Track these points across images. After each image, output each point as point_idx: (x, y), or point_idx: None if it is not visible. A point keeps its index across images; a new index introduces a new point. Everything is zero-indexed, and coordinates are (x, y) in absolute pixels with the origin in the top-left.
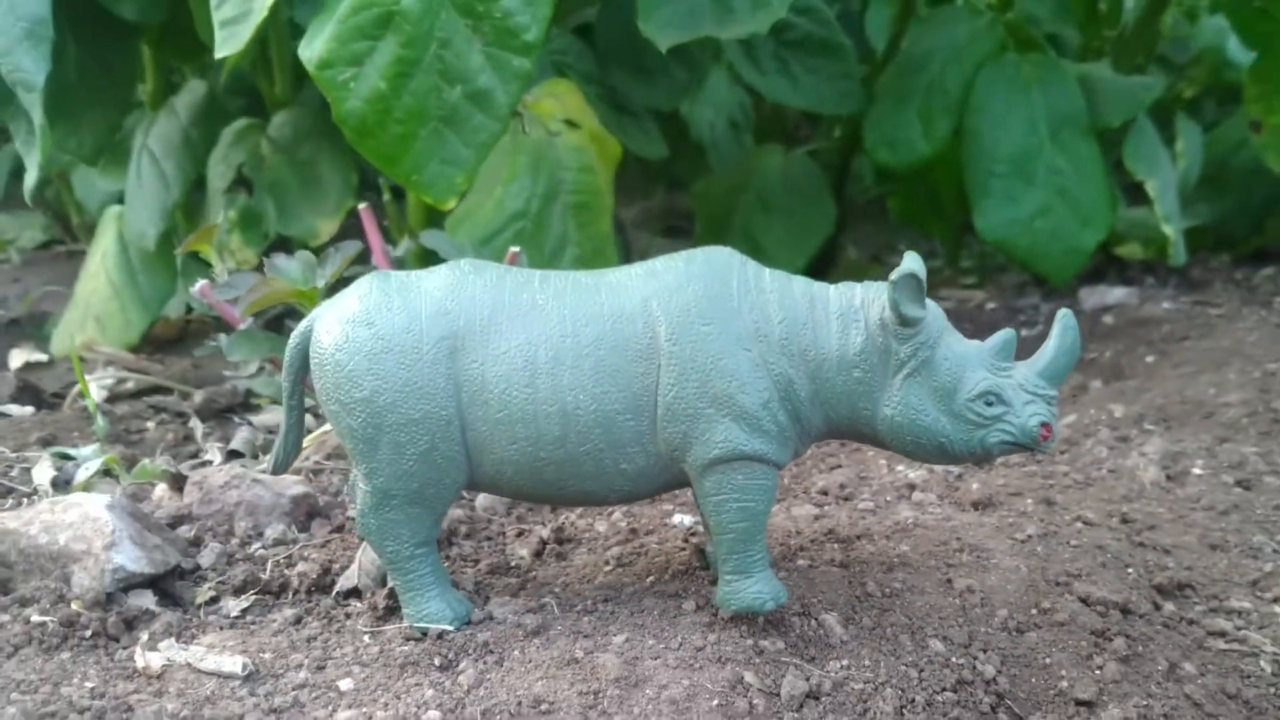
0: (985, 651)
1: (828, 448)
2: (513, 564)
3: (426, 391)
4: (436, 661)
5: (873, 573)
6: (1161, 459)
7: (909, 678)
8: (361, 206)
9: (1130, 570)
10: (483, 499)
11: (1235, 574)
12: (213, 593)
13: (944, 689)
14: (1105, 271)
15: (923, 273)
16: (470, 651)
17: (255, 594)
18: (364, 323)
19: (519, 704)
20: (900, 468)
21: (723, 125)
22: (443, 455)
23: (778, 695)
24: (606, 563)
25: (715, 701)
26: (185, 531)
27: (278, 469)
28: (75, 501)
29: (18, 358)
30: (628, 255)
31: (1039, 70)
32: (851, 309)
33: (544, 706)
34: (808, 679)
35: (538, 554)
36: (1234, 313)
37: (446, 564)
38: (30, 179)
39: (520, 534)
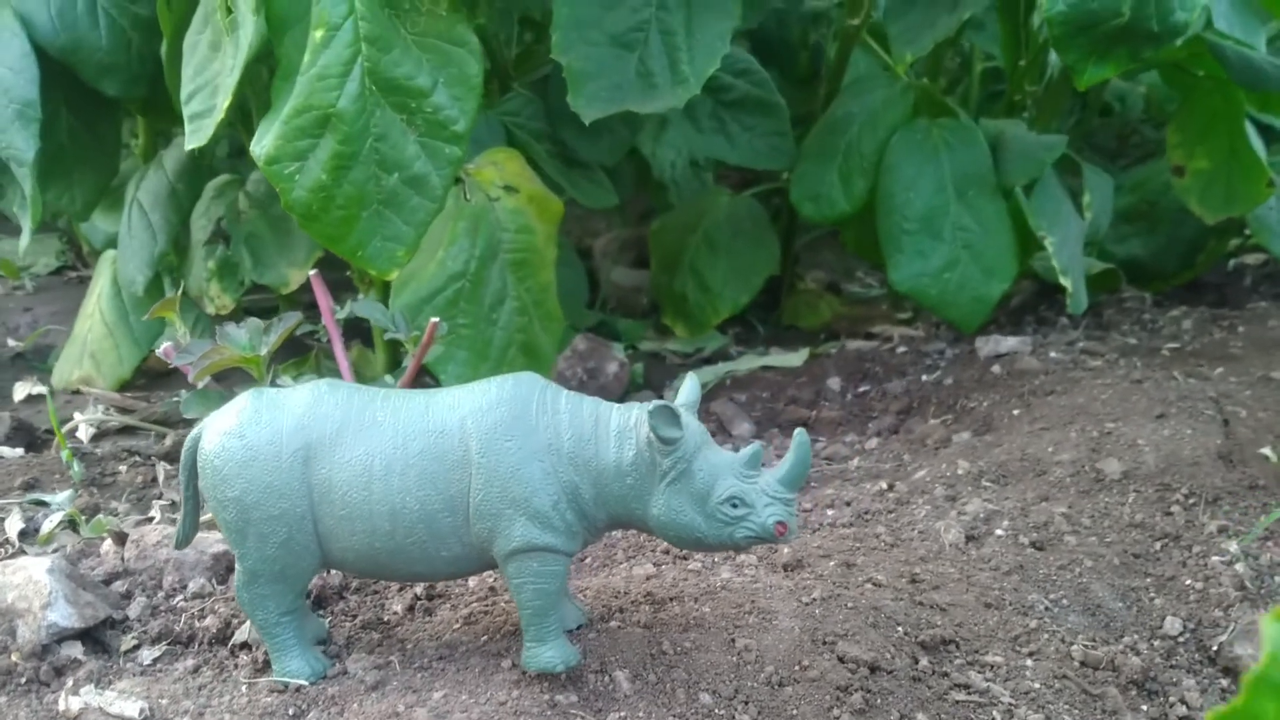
0: (746, 704)
1: None
2: (385, 619)
3: (284, 492)
4: (290, 711)
5: (670, 633)
6: (972, 520)
7: None
8: (311, 273)
9: (900, 628)
10: None
11: (1001, 630)
12: (135, 642)
13: None
14: (1036, 306)
15: (694, 395)
16: (319, 703)
17: (167, 644)
18: (238, 435)
19: None
20: None
21: (683, 165)
22: (298, 543)
23: None
24: (457, 621)
25: None
26: (119, 586)
27: (179, 545)
28: (22, 565)
29: (20, 390)
30: (594, 284)
31: (948, 134)
32: (627, 428)
33: None
34: None
35: (410, 609)
36: (1110, 365)
37: (329, 618)
38: (24, 241)
39: (401, 589)
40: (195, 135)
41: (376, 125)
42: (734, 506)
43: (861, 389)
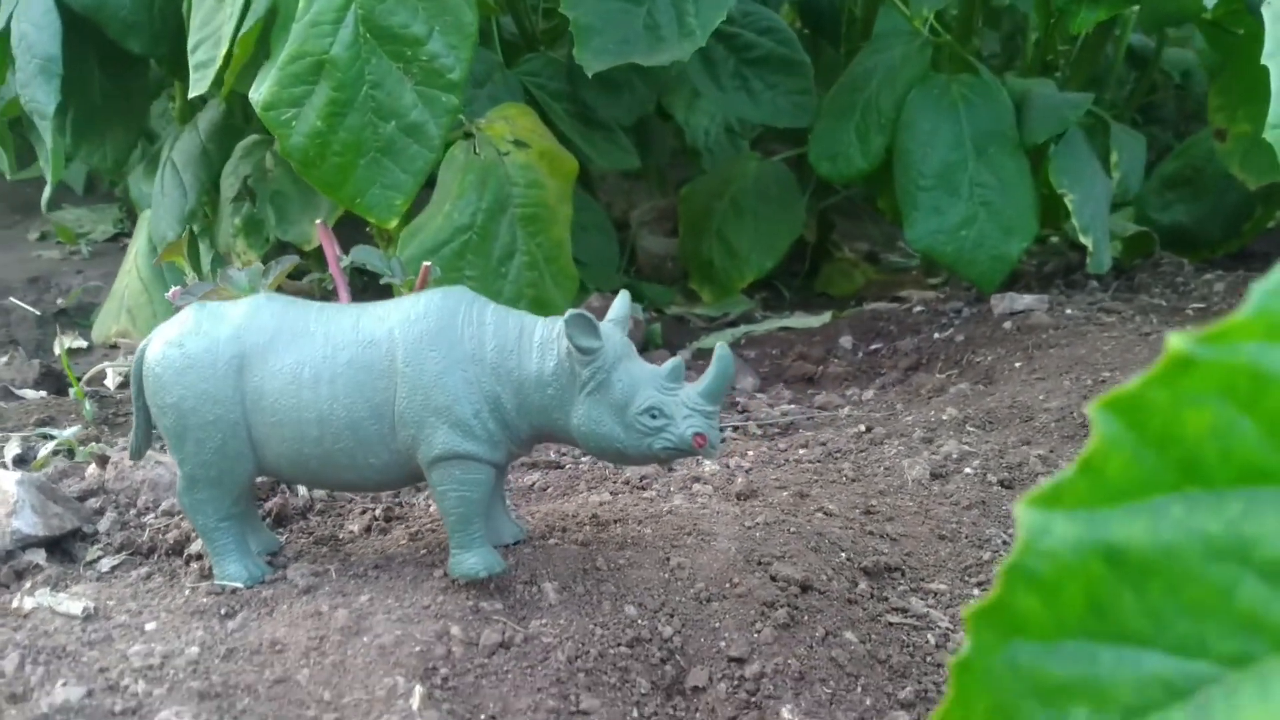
0: (671, 616)
1: None
2: (340, 537)
3: (218, 399)
4: (222, 611)
5: (606, 550)
6: (942, 460)
7: (592, 634)
8: (318, 221)
9: (843, 554)
10: None
11: (952, 561)
12: (100, 553)
13: (620, 644)
14: (1070, 271)
15: (623, 311)
16: (251, 604)
17: (128, 554)
18: (177, 344)
19: (259, 644)
20: (707, 465)
21: (718, 132)
22: (233, 450)
23: (476, 645)
24: (404, 538)
25: (418, 648)
26: (94, 503)
27: (134, 455)
28: None
29: (61, 344)
30: (622, 252)
31: (968, 90)
32: (549, 339)
33: (277, 646)
34: (503, 633)
35: (367, 529)
36: (1123, 320)
37: (286, 535)
38: (46, 194)
39: (364, 512)
40: (198, 84)
41: (372, 73)
42: (653, 417)
43: (873, 347)
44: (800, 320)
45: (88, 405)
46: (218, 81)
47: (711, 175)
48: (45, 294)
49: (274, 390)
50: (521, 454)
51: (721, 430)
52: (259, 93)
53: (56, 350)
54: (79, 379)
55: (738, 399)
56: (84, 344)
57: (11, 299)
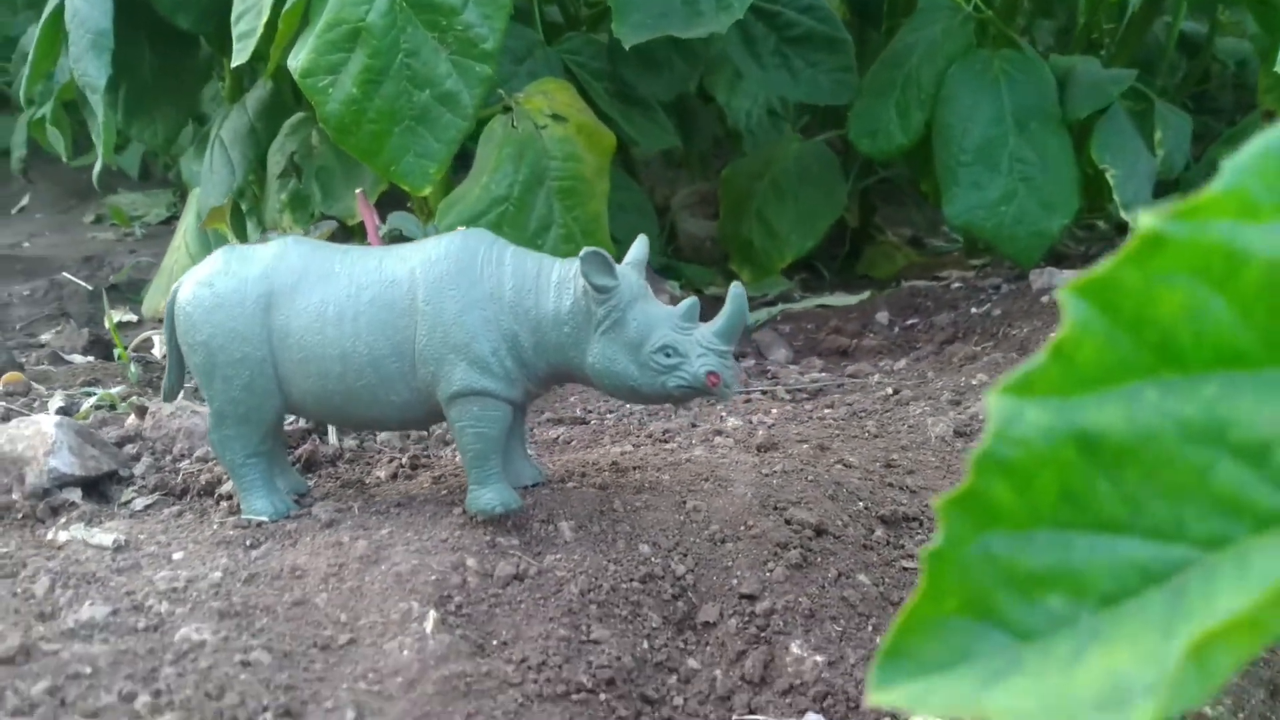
0: (685, 555)
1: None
2: (367, 481)
3: (246, 337)
4: (247, 542)
5: (623, 494)
6: (969, 420)
7: (605, 570)
8: (358, 191)
9: (861, 503)
10: (382, 435)
11: None
12: (134, 494)
13: (633, 580)
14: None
15: (640, 254)
16: (276, 536)
17: (161, 494)
18: (207, 284)
19: (280, 570)
20: (730, 421)
21: (759, 114)
22: (260, 386)
23: (490, 576)
24: (428, 481)
25: (434, 577)
26: (131, 449)
27: (167, 397)
28: (34, 420)
29: (113, 317)
30: (661, 233)
31: (1009, 65)
32: (566, 278)
33: (298, 572)
34: (518, 565)
35: (393, 476)
36: None
37: (314, 480)
38: (97, 166)
39: (391, 460)
40: (240, 54)
41: (407, 41)
42: (667, 355)
43: (909, 322)
44: (839, 299)
45: (133, 368)
46: (260, 55)
47: (753, 156)
48: (98, 271)
49: (299, 328)
50: (539, 393)
51: (748, 392)
52: (297, 59)
53: (107, 324)
54: (126, 347)
55: (768, 368)
56: (134, 318)
57: (64, 274)
